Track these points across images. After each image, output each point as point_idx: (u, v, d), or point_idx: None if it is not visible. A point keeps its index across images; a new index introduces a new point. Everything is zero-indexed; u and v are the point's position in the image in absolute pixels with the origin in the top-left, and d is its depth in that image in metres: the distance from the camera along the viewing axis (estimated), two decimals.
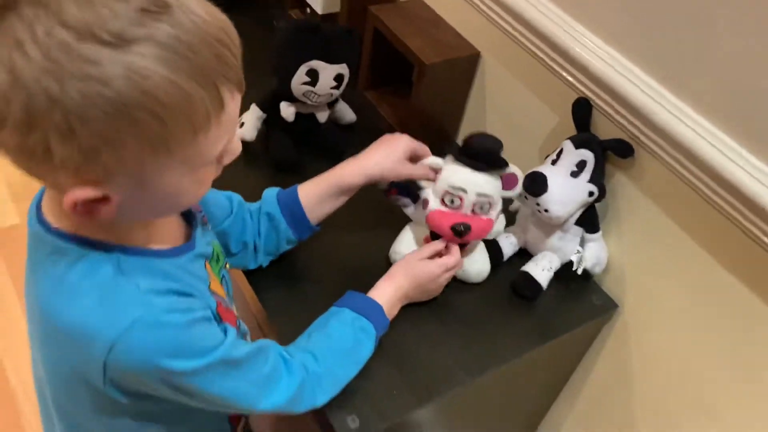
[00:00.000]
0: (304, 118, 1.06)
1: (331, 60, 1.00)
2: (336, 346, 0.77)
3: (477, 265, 0.95)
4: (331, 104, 1.10)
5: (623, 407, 1.07)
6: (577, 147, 0.92)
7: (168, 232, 0.67)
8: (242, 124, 1.07)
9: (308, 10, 1.35)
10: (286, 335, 0.81)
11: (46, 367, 0.66)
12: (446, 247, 0.90)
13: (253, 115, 1.07)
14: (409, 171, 0.89)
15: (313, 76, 1.00)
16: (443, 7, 1.15)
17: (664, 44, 0.83)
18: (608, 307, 1.00)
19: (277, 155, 1.05)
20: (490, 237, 0.96)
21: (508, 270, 0.99)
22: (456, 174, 0.86)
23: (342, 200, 0.89)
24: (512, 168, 0.89)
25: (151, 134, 0.50)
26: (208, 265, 0.71)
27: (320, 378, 0.74)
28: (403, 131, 0.97)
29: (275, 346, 0.72)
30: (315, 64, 0.99)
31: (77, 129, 0.47)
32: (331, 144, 1.09)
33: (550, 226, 0.96)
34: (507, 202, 1.04)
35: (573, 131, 0.95)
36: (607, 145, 0.91)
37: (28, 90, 0.46)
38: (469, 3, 1.08)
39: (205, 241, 0.72)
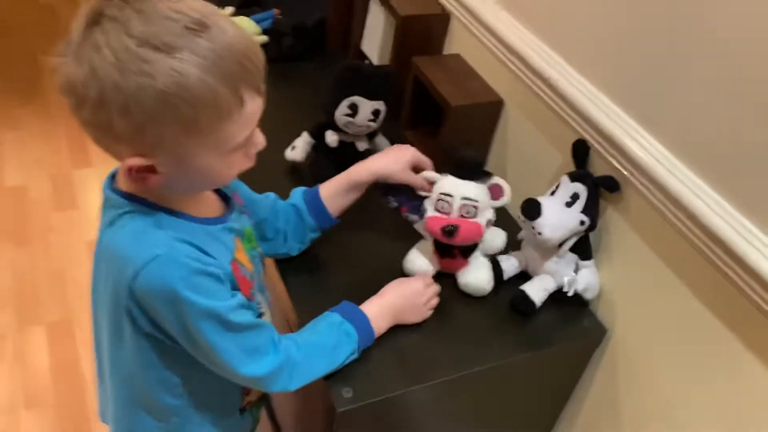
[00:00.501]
0: (346, 146, 1.24)
1: (369, 96, 1.18)
2: (319, 342, 0.90)
3: (479, 278, 1.07)
4: (371, 136, 1.28)
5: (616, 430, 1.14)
6: (572, 181, 1.04)
7: (207, 206, 0.85)
8: (293, 148, 1.26)
9: (366, 61, 1.55)
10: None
11: (99, 304, 0.84)
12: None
13: (303, 141, 1.25)
14: (409, 178, 1.05)
15: (354, 109, 1.18)
16: (476, 61, 1.31)
17: (648, 95, 0.96)
18: (598, 331, 1.09)
19: (319, 174, 1.22)
20: (491, 252, 1.09)
21: (509, 288, 1.10)
22: (444, 182, 1.02)
23: (355, 194, 1.06)
24: (497, 180, 1.03)
25: (185, 118, 0.68)
26: (238, 240, 0.87)
27: (298, 365, 0.87)
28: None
29: (271, 328, 0.86)
30: (356, 99, 1.17)
31: (132, 108, 0.67)
32: None
33: (548, 251, 1.08)
34: (516, 229, 1.17)
35: (574, 169, 1.08)
36: (599, 180, 1.03)
37: (100, 80, 0.66)
38: (497, 59, 1.24)
39: (240, 222, 0.89)
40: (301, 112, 1.37)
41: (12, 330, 1.92)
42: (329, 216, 1.05)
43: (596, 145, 1.04)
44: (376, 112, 1.20)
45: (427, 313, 1.03)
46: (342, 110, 1.18)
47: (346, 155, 1.24)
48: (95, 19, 0.67)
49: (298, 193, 1.06)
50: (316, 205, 1.04)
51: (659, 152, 0.95)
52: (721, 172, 0.88)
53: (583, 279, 1.07)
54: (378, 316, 0.97)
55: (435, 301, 1.04)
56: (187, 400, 0.89)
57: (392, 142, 1.33)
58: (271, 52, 1.56)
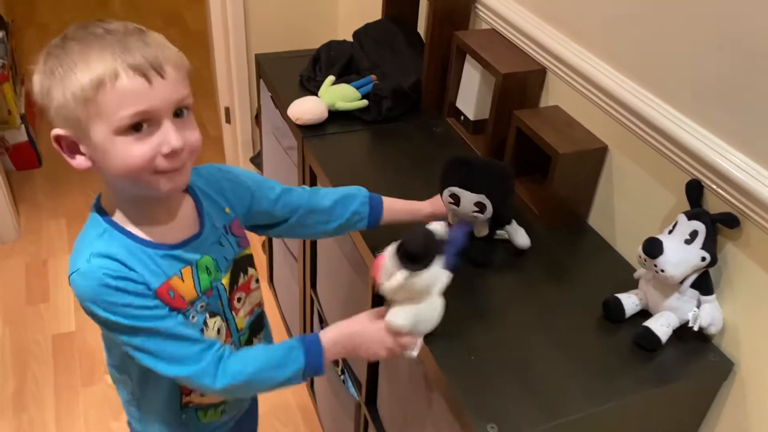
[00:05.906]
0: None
1: (470, 189, 1.16)
2: (263, 355, 1.00)
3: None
4: (497, 225, 1.27)
5: None
6: (689, 219, 1.08)
7: (166, 230, 0.97)
8: None
9: (462, 117, 1.64)
10: None
11: None
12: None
13: None
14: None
15: (456, 199, 1.18)
16: (576, 110, 1.38)
17: (758, 128, 1.01)
18: (725, 365, 1.11)
19: None
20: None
21: (631, 326, 1.14)
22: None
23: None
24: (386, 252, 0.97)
25: (71, 80, 0.81)
26: (186, 270, 0.98)
27: (227, 369, 0.95)
28: (540, 212, 1.25)
29: (212, 347, 0.96)
30: (456, 190, 1.17)
31: (49, 81, 0.83)
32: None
33: (669, 288, 1.11)
34: (630, 269, 1.21)
35: (687, 208, 1.12)
36: (716, 217, 1.07)
37: (43, 66, 0.85)
38: (597, 107, 1.31)
39: (200, 252, 0.99)
40: (406, 167, 1.47)
41: None
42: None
43: (710, 183, 1.08)
44: (479, 204, 1.18)
45: (382, 355, 1.03)
46: (445, 198, 1.20)
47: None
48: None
49: (359, 202, 1.20)
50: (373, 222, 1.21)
51: None
52: None
53: (707, 314, 1.10)
54: (333, 347, 1.02)
55: (399, 351, 1.03)
56: (137, 378, 1.06)
57: None
58: (372, 115, 1.67)
